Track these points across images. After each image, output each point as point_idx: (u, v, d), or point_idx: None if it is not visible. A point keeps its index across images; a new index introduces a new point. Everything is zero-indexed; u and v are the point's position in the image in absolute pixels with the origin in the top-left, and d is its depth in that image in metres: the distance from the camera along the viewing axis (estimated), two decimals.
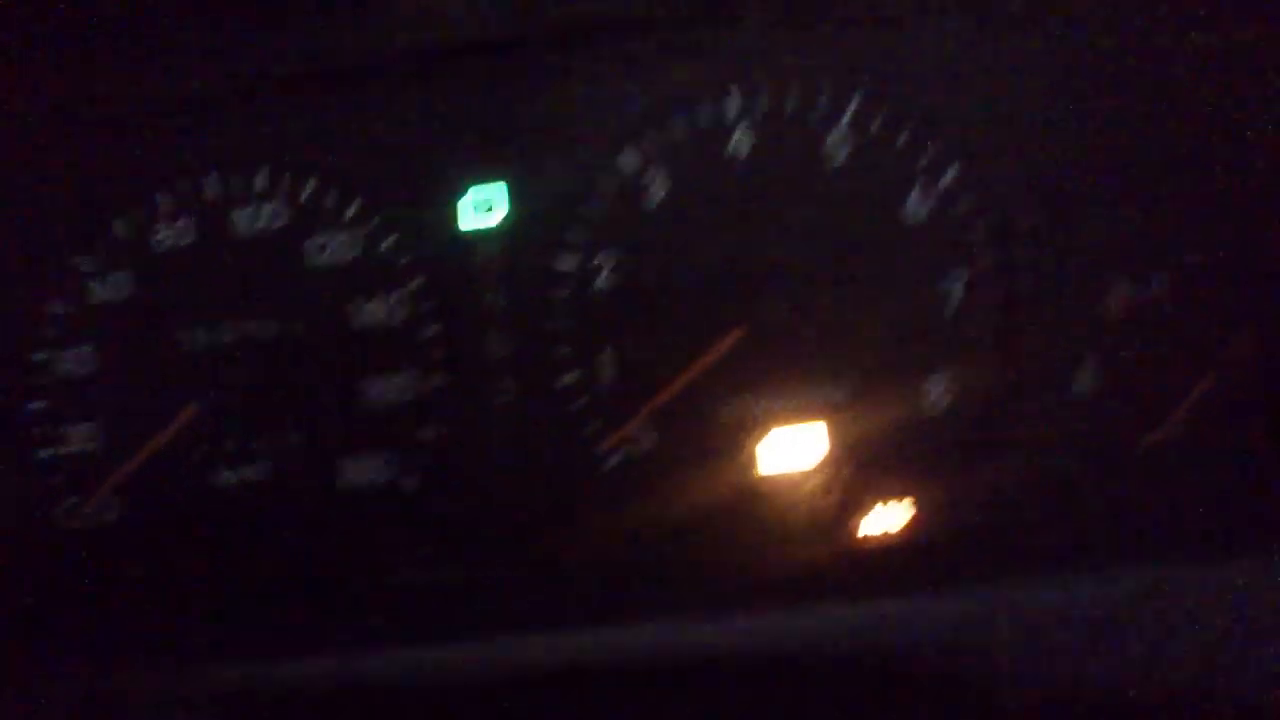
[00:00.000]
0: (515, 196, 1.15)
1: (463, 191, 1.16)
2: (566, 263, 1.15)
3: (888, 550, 1.11)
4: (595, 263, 1.15)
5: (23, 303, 1.18)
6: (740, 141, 1.15)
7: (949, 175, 1.12)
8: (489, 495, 1.13)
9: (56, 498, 1.17)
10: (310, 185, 1.18)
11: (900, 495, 1.12)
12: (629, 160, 1.15)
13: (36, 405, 1.18)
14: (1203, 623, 0.90)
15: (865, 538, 1.12)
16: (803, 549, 1.11)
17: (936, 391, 1.12)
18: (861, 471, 1.12)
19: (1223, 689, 0.87)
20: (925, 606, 0.95)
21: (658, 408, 1.13)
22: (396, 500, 1.14)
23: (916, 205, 1.12)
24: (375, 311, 1.16)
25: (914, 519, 1.11)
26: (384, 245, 1.16)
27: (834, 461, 1.12)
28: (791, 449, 1.13)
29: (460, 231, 1.15)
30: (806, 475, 1.12)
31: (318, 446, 1.15)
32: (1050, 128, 1.11)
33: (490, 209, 1.15)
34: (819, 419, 1.13)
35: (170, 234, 1.18)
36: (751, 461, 1.13)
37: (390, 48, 1.16)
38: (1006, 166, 1.12)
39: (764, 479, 1.13)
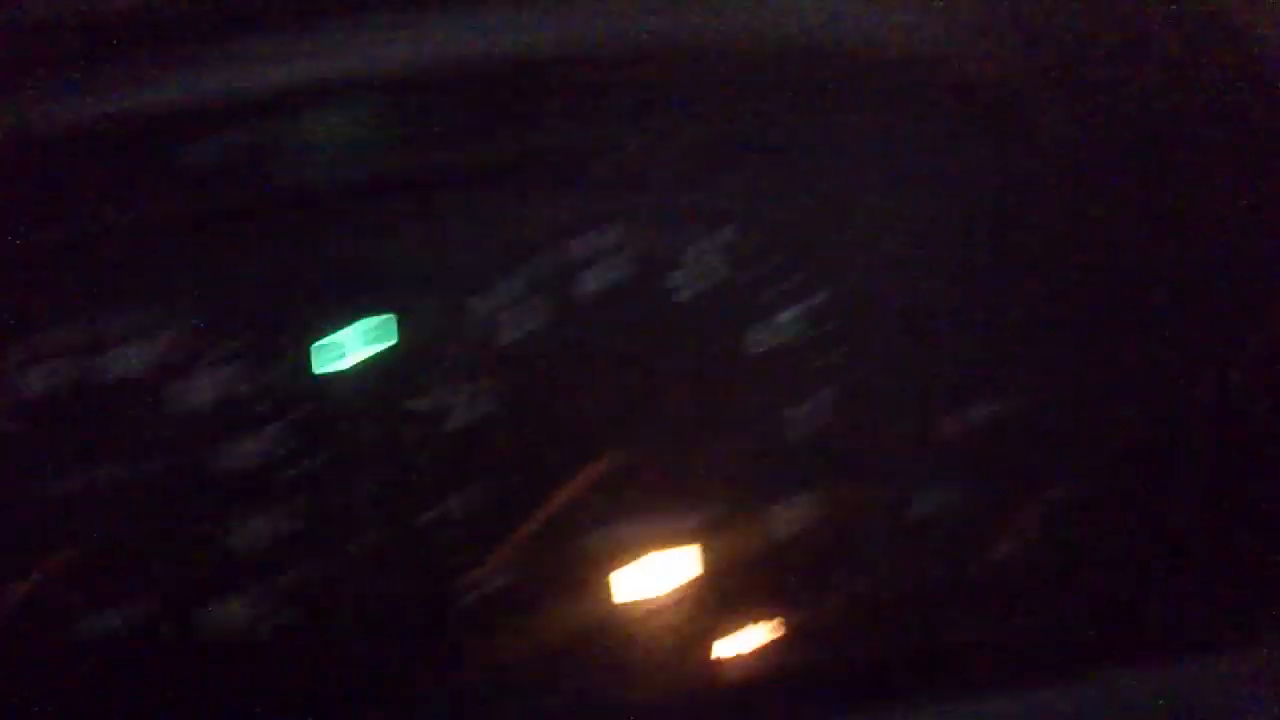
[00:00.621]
0: (373, 338, 1.17)
1: (320, 335, 1.17)
2: (422, 403, 1.16)
3: (749, 679, 1.13)
4: (452, 399, 1.16)
5: None
6: (602, 274, 1.17)
7: (788, 313, 1.15)
8: (349, 638, 1.14)
9: None
10: (171, 329, 1.19)
11: (759, 621, 1.13)
12: (488, 299, 1.17)
13: None
14: None
15: (725, 665, 1.13)
16: (662, 678, 1.12)
17: (787, 519, 1.14)
18: (720, 599, 1.14)
19: None
20: None
21: (518, 541, 1.14)
22: (260, 645, 1.14)
23: (757, 338, 1.15)
24: (234, 456, 1.16)
25: (772, 646, 1.12)
26: (241, 389, 1.17)
27: (693, 588, 1.14)
28: (652, 576, 1.15)
29: (315, 375, 1.16)
30: (666, 602, 1.14)
31: (182, 594, 1.15)
32: (906, 259, 1.15)
33: (344, 353, 1.17)
34: (679, 545, 1.15)
35: (37, 380, 1.18)
36: (611, 590, 1.14)
37: (253, 190, 1.18)
38: (846, 295, 1.15)
39: (623, 608, 1.14)
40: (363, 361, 1.17)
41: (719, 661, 1.13)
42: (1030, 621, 1.11)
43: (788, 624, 1.12)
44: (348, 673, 1.14)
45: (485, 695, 1.12)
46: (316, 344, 1.18)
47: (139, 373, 1.19)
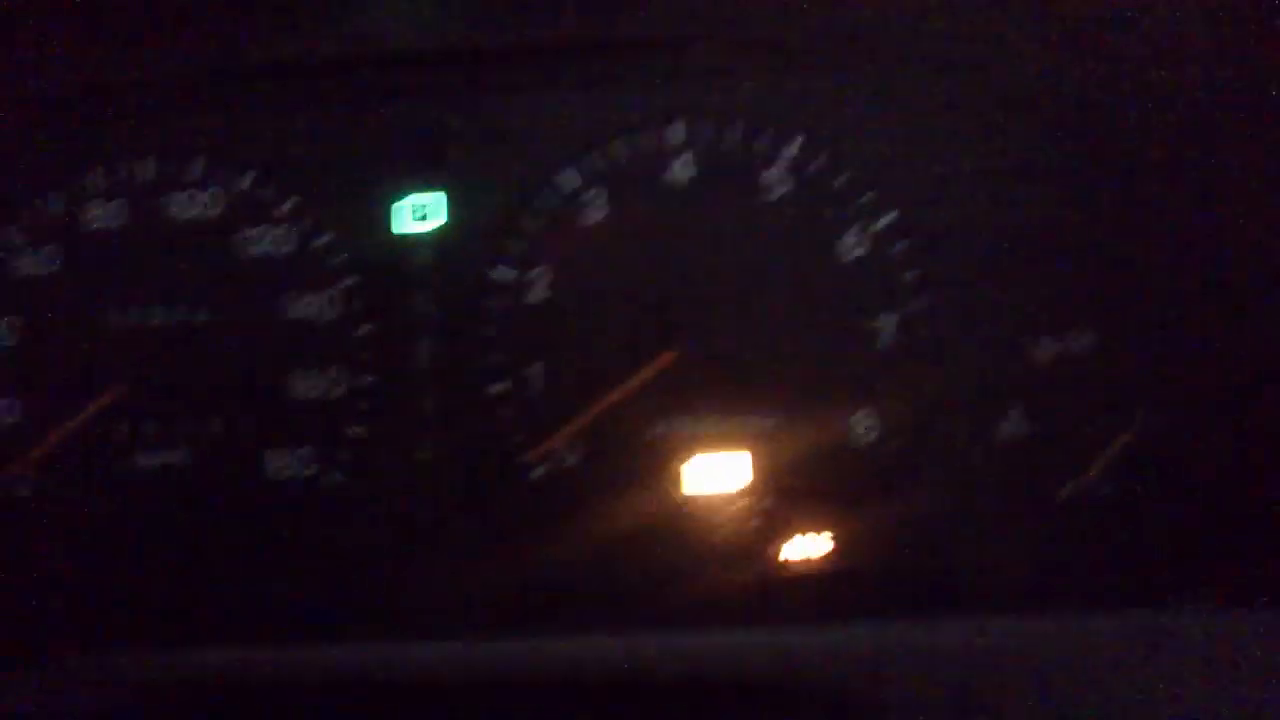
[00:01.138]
0: (453, 205, 1.15)
1: (400, 196, 1.15)
2: (501, 274, 1.14)
3: (805, 578, 1.12)
4: (530, 276, 1.14)
5: None
6: (681, 170, 1.15)
7: (884, 220, 1.13)
8: (411, 498, 1.13)
9: None
10: (248, 177, 1.17)
11: (820, 525, 1.12)
12: (569, 178, 1.15)
13: None
14: (1107, 668, 0.91)
15: (784, 564, 1.12)
16: (722, 572, 1.11)
17: (862, 426, 1.12)
18: (784, 499, 1.12)
19: None
20: (839, 635, 0.95)
21: (585, 424, 1.13)
22: (318, 496, 1.14)
23: (851, 244, 1.13)
24: (306, 307, 1.15)
25: (832, 549, 1.11)
26: (318, 243, 1.16)
27: (758, 488, 1.13)
28: (717, 473, 1.13)
29: (394, 235, 1.14)
30: (730, 500, 1.13)
31: (241, 436, 1.14)
32: (987, 180, 1.13)
33: (426, 216, 1.15)
34: (746, 445, 1.13)
35: (102, 213, 1.16)
36: (676, 483, 1.13)
37: (341, 50, 1.16)
38: (941, 215, 1.13)
39: (687, 501, 1.13)
40: (440, 228, 1.15)
41: (779, 561, 1.12)
42: (1092, 552, 1.10)
43: (853, 529, 1.11)
44: (400, 534, 1.13)
45: (541, 570, 1.12)
46: (396, 205, 1.15)
47: (214, 216, 1.17)
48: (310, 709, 1.01)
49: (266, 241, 1.16)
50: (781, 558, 1.12)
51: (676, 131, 1.16)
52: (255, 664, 1.00)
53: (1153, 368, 1.11)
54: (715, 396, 1.13)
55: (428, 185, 1.15)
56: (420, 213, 1.15)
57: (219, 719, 0.99)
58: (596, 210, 1.15)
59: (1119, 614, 0.96)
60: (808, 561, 1.12)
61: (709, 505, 1.12)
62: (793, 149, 1.15)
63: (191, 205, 1.17)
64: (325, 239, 1.16)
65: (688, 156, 1.15)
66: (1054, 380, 1.12)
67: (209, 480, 1.14)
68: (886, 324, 1.13)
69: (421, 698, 0.99)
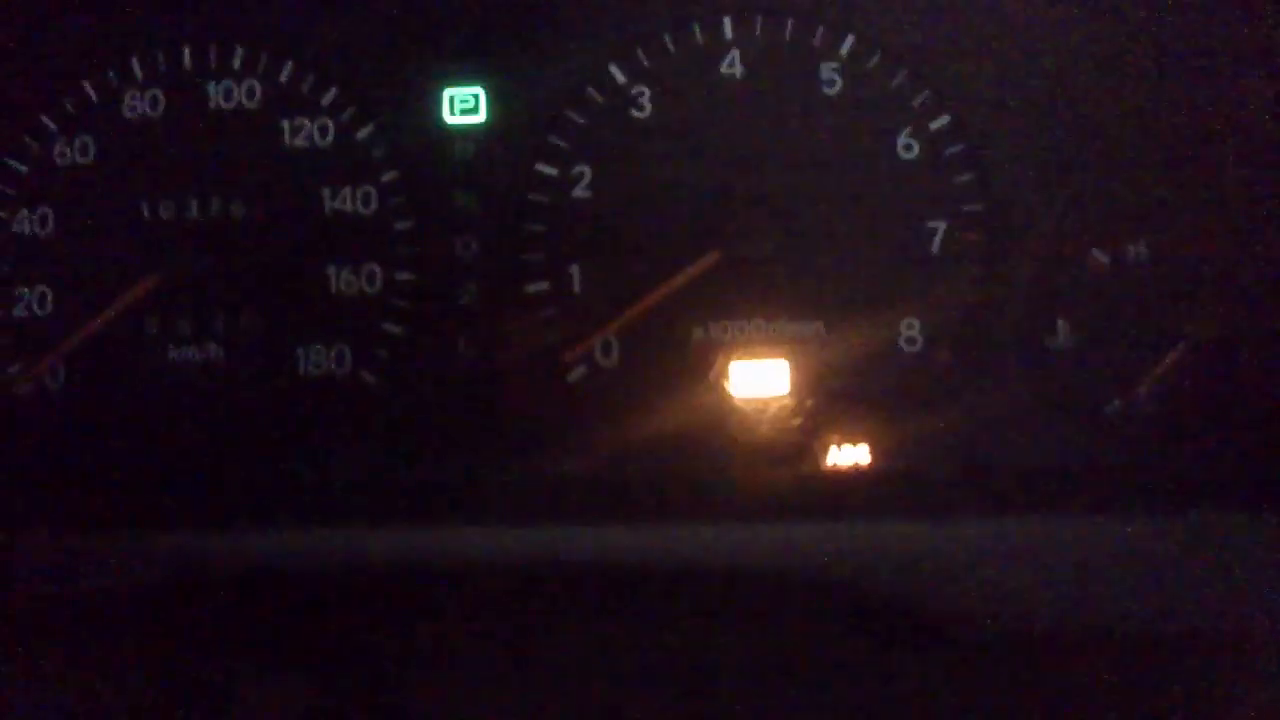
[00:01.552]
0: (498, 98, 1.13)
1: (444, 88, 1.13)
2: (546, 168, 1.12)
3: (848, 479, 1.10)
4: (575, 170, 1.12)
5: None
6: (728, 68, 1.13)
7: (940, 121, 1.11)
8: (449, 394, 1.11)
9: (4, 360, 1.14)
10: (288, 67, 1.14)
11: (865, 428, 1.10)
12: (617, 72, 1.13)
13: None
14: (1151, 568, 0.90)
15: (828, 465, 1.10)
16: (764, 472, 1.09)
17: (911, 331, 1.10)
18: (829, 401, 1.10)
19: (1167, 631, 0.87)
20: (883, 532, 0.94)
21: (627, 323, 1.11)
22: (354, 392, 1.12)
23: (905, 144, 1.11)
24: (346, 200, 1.13)
25: (877, 452, 1.09)
26: (360, 134, 1.14)
27: (802, 390, 1.10)
28: (761, 376, 1.11)
29: (438, 128, 1.12)
30: (773, 401, 1.11)
31: (277, 331, 1.12)
32: (1043, 85, 1.10)
33: (471, 108, 1.12)
34: (790, 348, 1.11)
35: (141, 101, 1.14)
36: (718, 385, 1.11)
37: None
38: (996, 120, 1.10)
39: (730, 403, 1.11)
40: (485, 120, 1.13)
41: (822, 462, 1.10)
42: (1135, 458, 1.08)
43: (896, 433, 1.09)
44: (441, 430, 1.11)
45: (577, 469, 1.10)
46: (441, 96, 1.13)
47: (252, 108, 1.15)
48: (335, 593, 1.00)
49: (306, 134, 1.14)
50: (823, 459, 1.09)
51: (724, 28, 1.13)
52: (277, 549, 0.98)
53: (1204, 281, 1.09)
54: (760, 298, 1.11)
55: (472, 79, 1.13)
56: (464, 106, 1.13)
57: (248, 599, 0.98)
58: (645, 106, 1.12)
59: (1159, 517, 0.95)
60: (850, 464, 1.10)
61: (751, 407, 1.10)
62: (844, 48, 1.12)
63: (230, 96, 1.14)
64: (366, 132, 1.14)
65: (735, 54, 1.13)
66: (1104, 291, 1.10)
67: (242, 374, 1.12)
68: (937, 228, 1.11)
69: (452, 583, 0.98)
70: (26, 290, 1.14)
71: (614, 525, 0.96)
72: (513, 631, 0.95)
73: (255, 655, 1.01)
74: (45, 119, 1.15)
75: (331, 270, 1.12)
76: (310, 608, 1.02)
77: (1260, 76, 1.08)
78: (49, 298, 1.14)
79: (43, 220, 1.14)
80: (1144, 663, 0.88)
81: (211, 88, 1.15)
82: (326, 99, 1.14)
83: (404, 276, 1.12)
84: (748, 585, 0.95)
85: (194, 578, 0.97)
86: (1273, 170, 1.08)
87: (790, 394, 1.10)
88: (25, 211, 1.14)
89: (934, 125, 1.11)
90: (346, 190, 1.13)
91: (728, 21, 1.13)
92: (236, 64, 1.15)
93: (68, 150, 1.15)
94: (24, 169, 1.14)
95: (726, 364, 1.11)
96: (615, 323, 1.11)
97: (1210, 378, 1.07)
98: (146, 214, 1.13)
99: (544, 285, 1.12)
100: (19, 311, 1.14)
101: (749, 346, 1.11)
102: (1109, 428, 1.08)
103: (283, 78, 1.14)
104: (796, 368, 1.10)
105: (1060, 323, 1.10)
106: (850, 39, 1.12)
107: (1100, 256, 1.10)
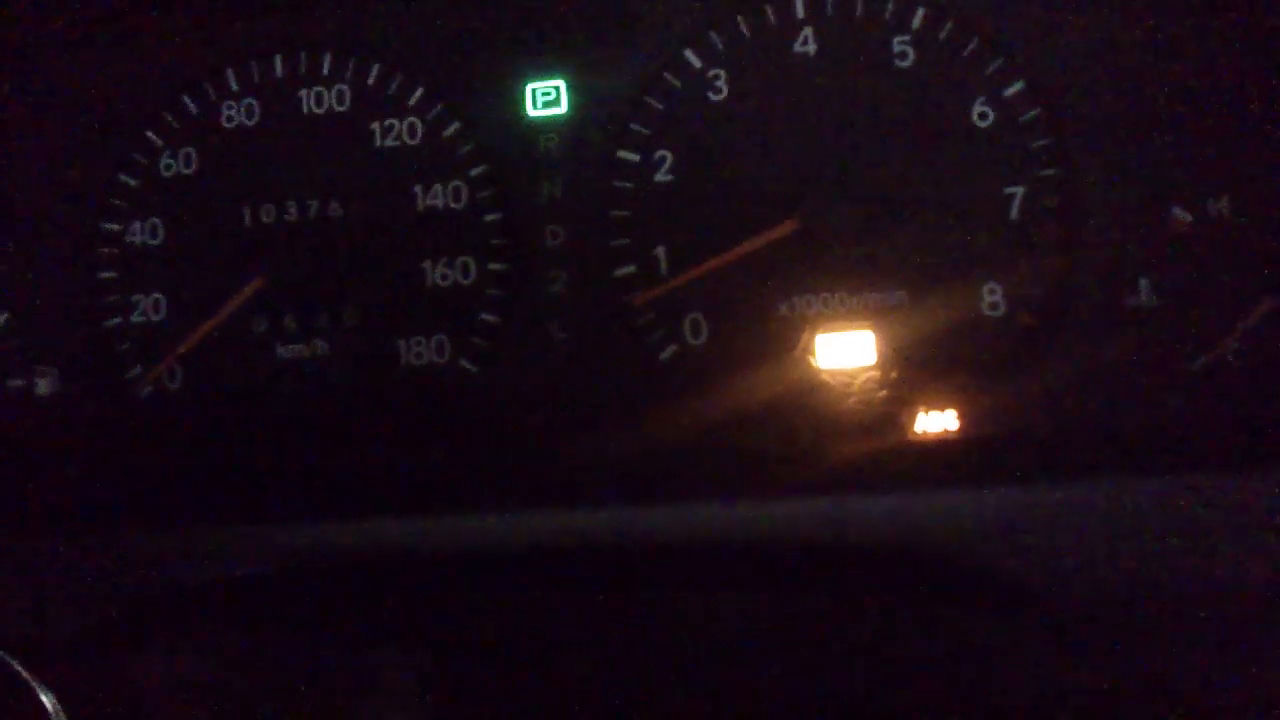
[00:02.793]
0: (579, 90, 1.16)
1: (526, 82, 1.17)
2: (628, 155, 1.15)
3: (937, 447, 1.12)
4: (656, 156, 1.15)
5: (95, 174, 1.21)
6: (802, 46, 1.15)
7: (1013, 88, 1.12)
8: (545, 380, 1.15)
9: (123, 365, 1.20)
10: (375, 70, 1.19)
11: (951, 395, 1.12)
12: (693, 57, 1.15)
13: (106, 275, 1.21)
14: (1235, 528, 0.91)
15: (916, 434, 1.12)
16: (853, 444, 1.12)
17: (993, 297, 1.12)
18: (914, 370, 1.13)
19: (1250, 589, 0.89)
20: (971, 500, 0.96)
21: (713, 302, 1.14)
22: (455, 381, 1.17)
23: (980, 113, 1.12)
24: (437, 196, 1.17)
25: (964, 419, 1.11)
26: (447, 132, 1.18)
27: (888, 360, 1.13)
28: (846, 348, 1.14)
29: (524, 119, 1.16)
30: (859, 373, 1.13)
31: (377, 326, 1.17)
32: (1117, 46, 1.11)
33: (553, 100, 1.16)
34: (874, 318, 1.13)
35: (238, 112, 1.20)
36: (805, 358, 1.14)
37: None
38: (1070, 83, 1.11)
39: (817, 375, 1.13)
40: (567, 111, 1.16)
41: (910, 431, 1.12)
42: (1222, 417, 1.09)
43: (981, 400, 1.11)
44: (540, 415, 1.16)
45: (673, 447, 1.13)
46: (523, 90, 1.17)
47: (343, 111, 1.20)
48: (445, 576, 1.04)
49: (395, 134, 1.18)
50: (912, 428, 1.12)
51: (797, 7, 1.15)
52: (387, 537, 1.03)
53: None
54: (842, 271, 1.13)
55: (552, 72, 1.16)
56: (545, 99, 1.16)
57: (363, 585, 1.04)
58: (721, 88, 1.15)
59: (1248, 474, 0.95)
60: (939, 431, 1.12)
61: (838, 379, 1.13)
62: (915, 21, 1.13)
63: (321, 101, 1.19)
64: (453, 128, 1.18)
65: (808, 33, 1.15)
66: (1186, 250, 1.10)
67: (347, 369, 1.18)
68: (1015, 194, 1.12)
69: (549, 566, 1.02)
70: (142, 297, 1.20)
71: (708, 501, 1.00)
72: (619, 608, 1.00)
73: (372, 641, 1.07)
74: (151, 134, 1.21)
75: (427, 264, 1.17)
76: (424, 592, 1.07)
77: None
78: (163, 304, 1.20)
79: (153, 230, 1.20)
80: (1238, 620, 0.89)
81: (304, 94, 1.20)
82: (413, 99, 1.18)
83: (496, 267, 1.17)
84: (840, 557, 0.98)
85: (311, 567, 1.02)
86: None
87: (876, 364, 1.13)
88: (137, 224, 1.20)
89: (1008, 92, 1.12)
90: (437, 186, 1.17)
91: (799, 1, 1.15)
92: (326, 70, 1.20)
93: (173, 162, 1.21)
94: (134, 182, 1.21)
95: (812, 337, 1.13)
96: (701, 302, 1.14)
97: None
98: (248, 219, 1.19)
99: (631, 269, 1.15)
100: (136, 318, 1.20)
101: (833, 319, 1.14)
102: (1195, 386, 1.09)
103: (370, 81, 1.19)
104: (881, 338, 1.13)
105: (1142, 282, 1.10)
106: (921, 11, 1.13)
107: (1181, 214, 1.10)
